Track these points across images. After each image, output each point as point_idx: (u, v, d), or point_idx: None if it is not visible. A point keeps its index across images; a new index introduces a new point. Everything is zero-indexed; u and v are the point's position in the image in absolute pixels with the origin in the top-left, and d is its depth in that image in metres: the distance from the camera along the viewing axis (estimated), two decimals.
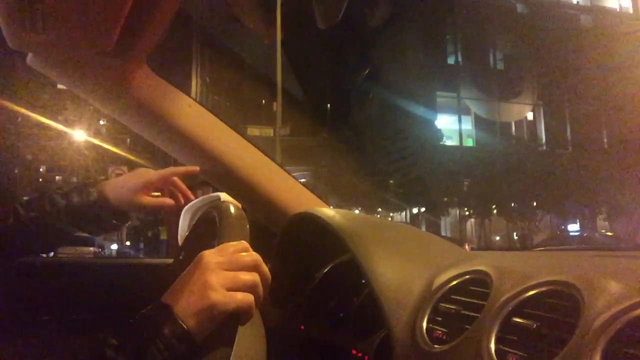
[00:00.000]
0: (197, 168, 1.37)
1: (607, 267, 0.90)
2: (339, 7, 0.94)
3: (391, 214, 21.78)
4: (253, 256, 0.77)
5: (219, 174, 1.42)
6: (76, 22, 1.03)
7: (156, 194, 1.34)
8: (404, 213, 22.93)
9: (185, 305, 0.69)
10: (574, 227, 24.44)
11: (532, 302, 0.77)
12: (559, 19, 25.88)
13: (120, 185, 1.28)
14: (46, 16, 0.98)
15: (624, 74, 18.58)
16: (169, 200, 1.32)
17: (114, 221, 1.30)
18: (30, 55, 1.19)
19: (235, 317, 0.73)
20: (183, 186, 1.36)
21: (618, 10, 30.83)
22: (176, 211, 1.51)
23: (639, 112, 17.84)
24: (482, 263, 0.95)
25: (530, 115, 29.12)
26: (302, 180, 1.55)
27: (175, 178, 1.34)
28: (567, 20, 26.39)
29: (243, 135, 1.45)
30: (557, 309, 0.73)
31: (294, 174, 1.55)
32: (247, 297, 0.72)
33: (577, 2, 30.30)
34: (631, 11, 30.50)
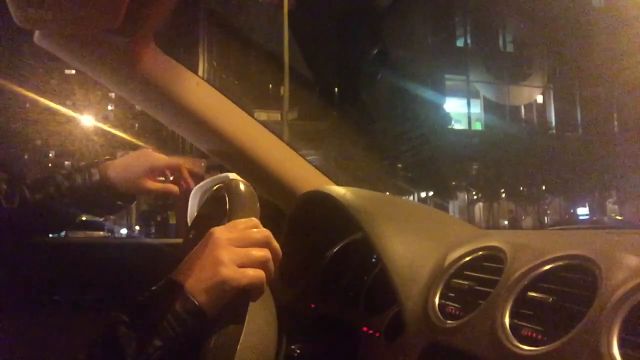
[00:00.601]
0: (203, 172, 1.35)
1: (622, 242, 0.88)
2: None
3: None
4: (264, 232, 0.76)
5: (227, 153, 1.41)
6: None
7: (161, 178, 1.33)
8: (411, 197, 22.90)
9: (196, 281, 0.69)
10: (583, 211, 24.31)
11: (547, 277, 0.76)
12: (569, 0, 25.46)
13: (123, 167, 1.26)
14: None
15: (635, 56, 18.31)
16: (174, 188, 1.30)
17: (119, 202, 1.28)
18: (37, 33, 1.17)
19: (246, 294, 0.72)
20: (187, 174, 1.34)
21: None
22: (184, 195, 1.50)
23: None
24: (496, 240, 0.94)
25: (540, 99, 28.84)
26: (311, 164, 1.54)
27: (180, 165, 1.32)
28: (578, 2, 25.95)
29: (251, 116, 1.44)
30: (574, 283, 0.72)
31: None
32: (258, 273, 0.71)
33: None
34: None
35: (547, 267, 0.77)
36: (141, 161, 1.26)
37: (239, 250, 0.72)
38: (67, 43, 1.20)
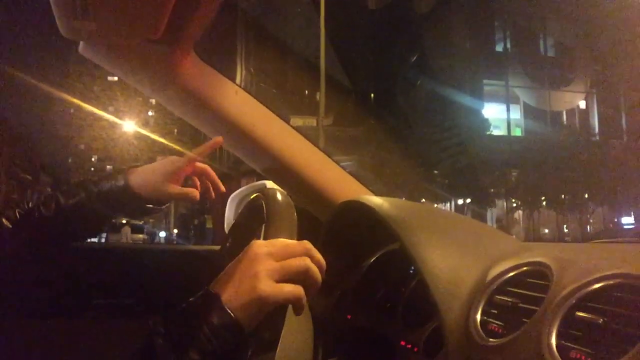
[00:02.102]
0: (221, 138, 1.31)
1: None
2: None
3: (435, 205, 21.47)
4: (303, 244, 0.75)
5: (264, 160, 1.41)
6: (125, 9, 1.04)
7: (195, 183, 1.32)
8: (449, 204, 22.59)
9: (234, 295, 0.68)
10: (628, 220, 23.47)
11: (597, 296, 0.73)
12: (614, 1, 24.73)
13: (147, 172, 1.27)
14: (97, 4, 0.99)
15: None
16: (193, 192, 1.29)
17: (149, 205, 1.29)
18: (81, 43, 1.20)
19: (284, 308, 0.71)
20: (214, 177, 1.33)
21: None
22: (221, 200, 1.50)
23: None
24: (541, 254, 0.90)
25: (582, 104, 28.05)
26: (346, 170, 1.53)
27: (207, 168, 1.32)
28: (622, 3, 25.19)
29: (287, 123, 1.44)
30: (626, 304, 0.68)
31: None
32: (296, 289, 0.70)
33: None
34: None
35: (597, 285, 0.73)
36: (165, 167, 1.27)
37: (277, 264, 0.71)
38: (110, 53, 1.22)
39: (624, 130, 24.51)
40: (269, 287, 0.68)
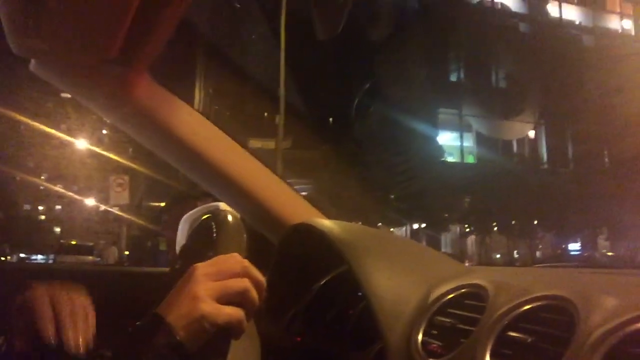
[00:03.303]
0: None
1: (604, 283, 0.90)
2: (338, 20, 0.95)
3: (391, 229, 21.72)
4: (242, 263, 0.76)
5: (217, 183, 1.41)
6: (79, 29, 1.04)
7: None
8: (404, 228, 22.87)
9: (177, 317, 0.69)
10: (574, 247, 24.36)
11: (527, 317, 0.77)
12: (561, 39, 26.07)
13: None
14: (50, 23, 0.99)
15: (625, 95, 18.70)
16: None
17: None
18: (33, 61, 1.19)
19: (227, 331, 0.72)
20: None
21: (620, 31, 31.23)
22: (174, 222, 1.49)
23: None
24: (479, 277, 0.95)
25: (531, 134, 29.20)
26: (303, 193, 1.55)
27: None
28: (570, 41, 26.59)
29: (243, 145, 1.45)
30: (553, 324, 0.73)
31: (295, 187, 1.54)
32: (236, 312, 0.71)
33: (580, 22, 30.68)
34: (633, 33, 30.87)
35: (527, 307, 0.78)
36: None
37: (216, 284, 0.72)
38: (62, 71, 1.22)
39: (570, 160, 25.61)
40: (209, 306, 0.69)
